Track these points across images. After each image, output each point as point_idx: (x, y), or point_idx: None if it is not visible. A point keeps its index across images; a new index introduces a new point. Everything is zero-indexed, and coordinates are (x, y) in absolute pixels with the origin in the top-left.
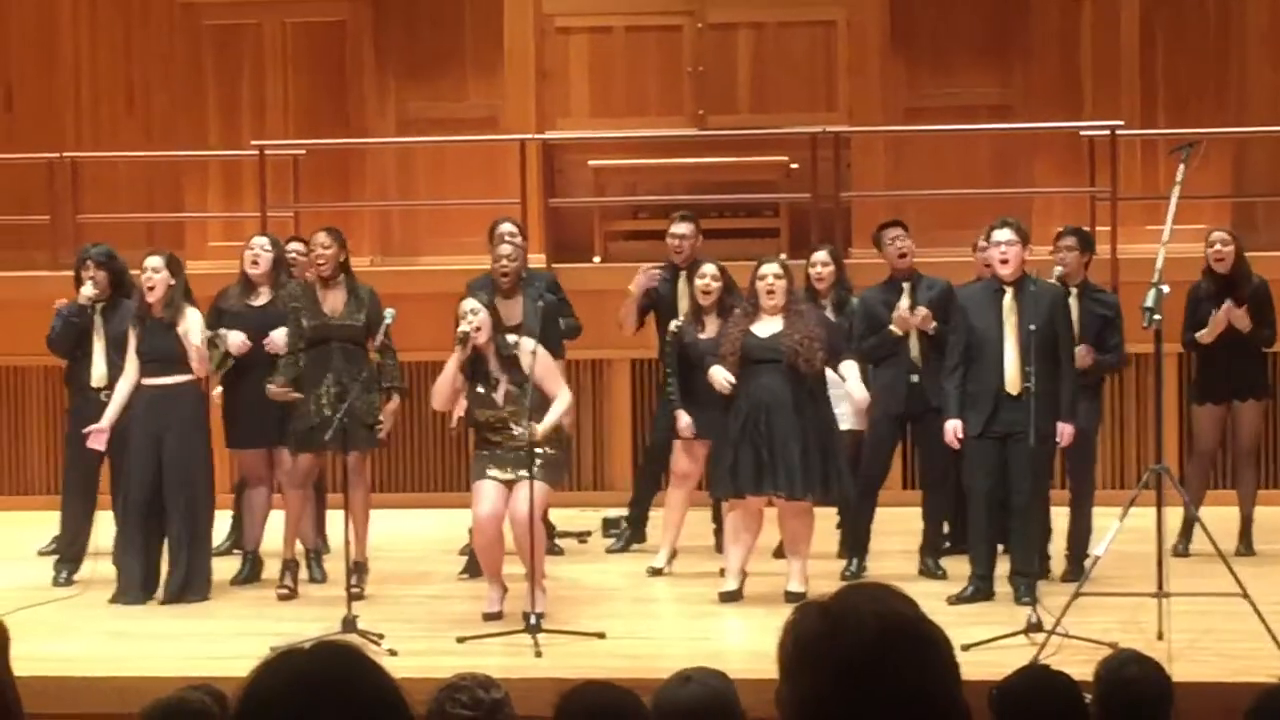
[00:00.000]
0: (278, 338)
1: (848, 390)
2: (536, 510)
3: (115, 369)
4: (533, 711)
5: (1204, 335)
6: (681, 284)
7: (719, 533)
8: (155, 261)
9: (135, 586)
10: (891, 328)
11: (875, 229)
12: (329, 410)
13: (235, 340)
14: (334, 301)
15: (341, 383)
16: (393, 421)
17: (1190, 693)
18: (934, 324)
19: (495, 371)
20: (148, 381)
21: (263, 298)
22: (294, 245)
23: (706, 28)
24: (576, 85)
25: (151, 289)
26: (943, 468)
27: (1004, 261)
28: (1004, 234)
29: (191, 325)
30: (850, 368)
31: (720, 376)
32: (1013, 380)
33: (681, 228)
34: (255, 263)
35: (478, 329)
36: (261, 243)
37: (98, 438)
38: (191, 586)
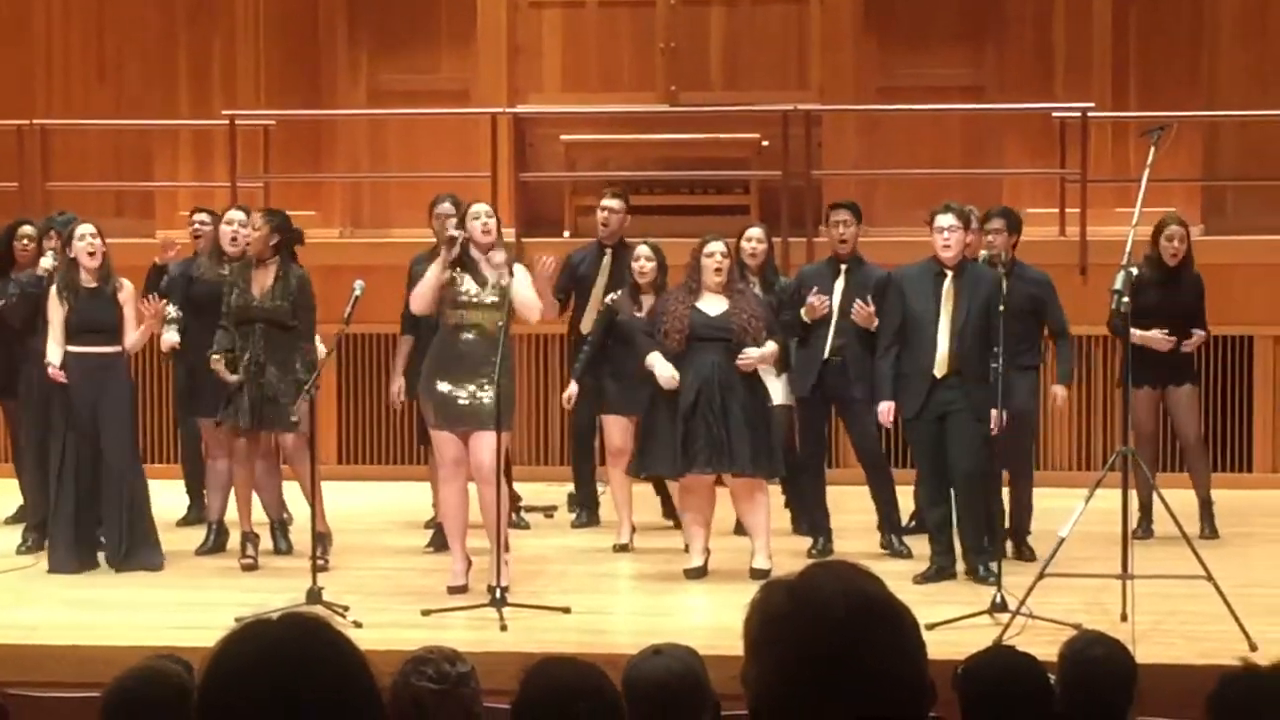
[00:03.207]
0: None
1: (758, 351)
2: (505, 455)
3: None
4: (498, 685)
5: (1141, 338)
6: (606, 261)
7: (666, 502)
8: (92, 229)
9: (70, 555)
10: (801, 312)
11: (828, 206)
12: (249, 392)
13: (168, 338)
14: (262, 282)
15: (258, 364)
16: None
17: (1154, 674)
18: (875, 323)
19: (486, 273)
20: (82, 350)
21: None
22: (234, 213)
23: (679, 4)
24: (549, 60)
25: (92, 255)
26: (876, 448)
27: (946, 247)
28: (946, 219)
29: (127, 295)
30: (768, 343)
31: (663, 370)
32: (941, 362)
33: (614, 202)
34: (234, 240)
35: (486, 231)
36: (240, 218)
37: (56, 373)
38: (141, 553)
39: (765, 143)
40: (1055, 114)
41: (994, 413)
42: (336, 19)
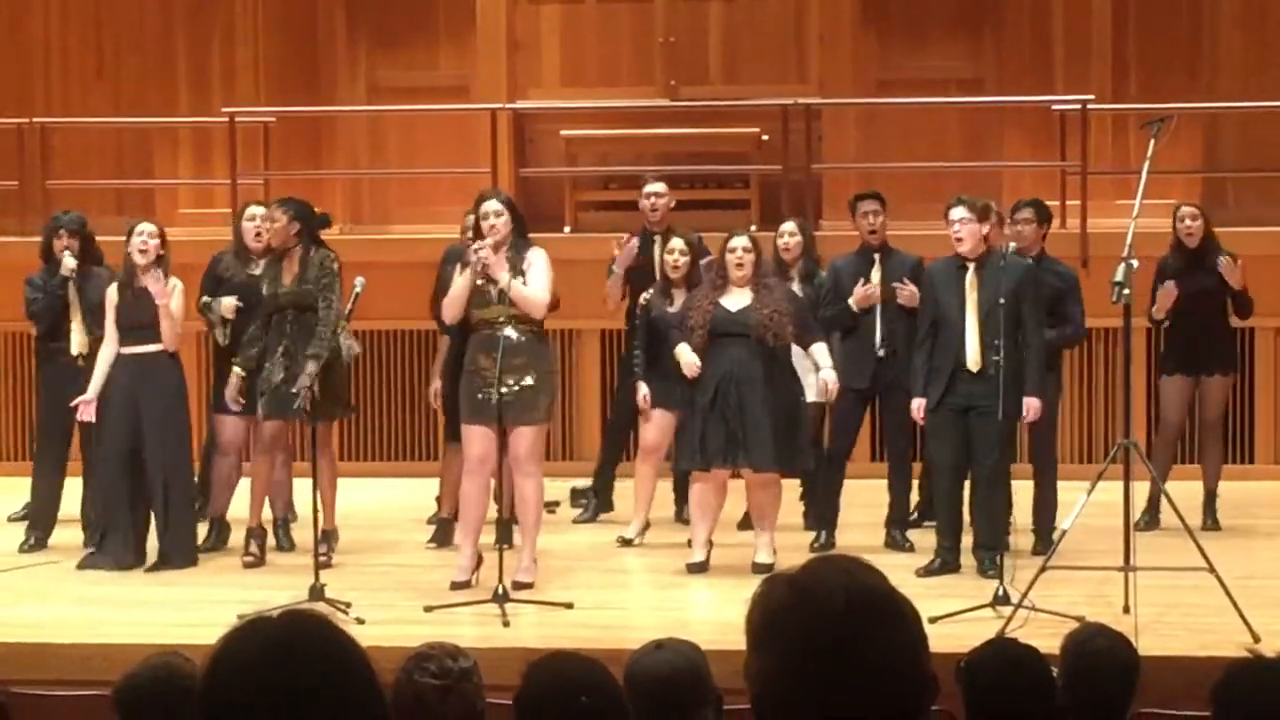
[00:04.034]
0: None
1: (820, 373)
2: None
3: (93, 337)
4: (501, 681)
5: (1155, 311)
6: (657, 248)
7: (680, 504)
8: (150, 227)
9: (118, 554)
10: (850, 303)
11: (852, 197)
12: (280, 378)
13: (227, 303)
14: (289, 271)
15: (290, 352)
16: (309, 385)
17: (1156, 666)
18: (917, 300)
19: (500, 273)
20: (127, 350)
21: (260, 266)
22: (256, 209)
23: None
24: (548, 55)
25: (145, 252)
26: (906, 442)
27: (958, 239)
28: (958, 212)
29: (175, 294)
30: (821, 350)
31: (687, 357)
32: (973, 356)
33: (657, 186)
34: (258, 236)
35: (495, 228)
36: (262, 213)
37: (87, 409)
38: (175, 555)
39: (765, 137)
40: (1055, 106)
41: (1028, 402)
42: (335, 15)
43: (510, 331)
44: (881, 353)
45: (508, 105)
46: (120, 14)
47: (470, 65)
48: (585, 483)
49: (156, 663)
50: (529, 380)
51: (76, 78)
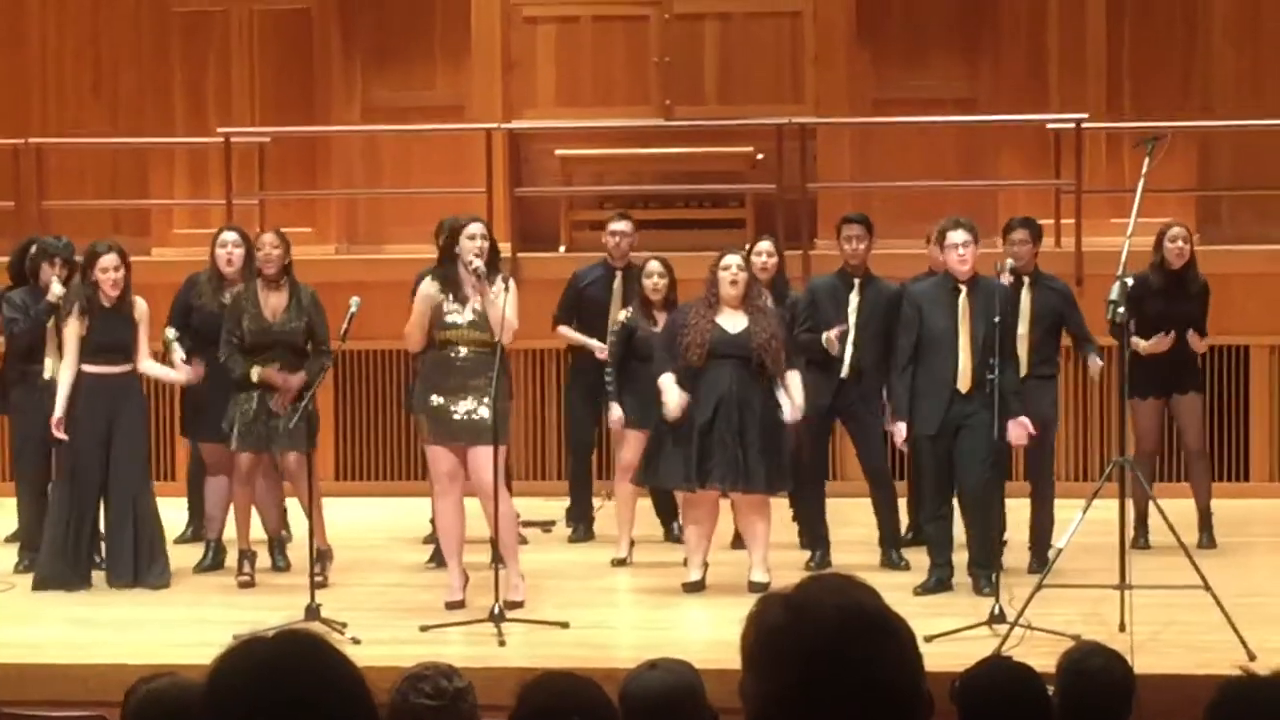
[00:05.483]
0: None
1: (789, 398)
2: (500, 469)
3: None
4: (496, 701)
5: (1146, 347)
6: (616, 283)
7: (666, 523)
8: (114, 259)
9: (76, 575)
10: (827, 337)
11: (840, 219)
12: (256, 413)
13: (194, 372)
14: (275, 304)
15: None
16: (282, 384)
17: (1152, 684)
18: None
19: (468, 292)
20: (97, 370)
21: (230, 295)
22: (228, 235)
23: (673, 18)
24: (543, 75)
25: (115, 284)
26: (881, 461)
27: (962, 261)
28: (959, 235)
29: (142, 313)
30: (795, 379)
31: (672, 396)
32: (965, 377)
33: (622, 225)
34: (230, 262)
35: (479, 253)
36: (234, 238)
37: (60, 427)
38: (152, 572)
39: (760, 156)
40: (1049, 125)
41: (1019, 422)
42: (331, 35)
43: (473, 353)
44: (844, 374)
45: (503, 125)
46: (116, 34)
47: (465, 85)
48: None
49: (168, 681)
50: (486, 401)
51: (72, 98)
